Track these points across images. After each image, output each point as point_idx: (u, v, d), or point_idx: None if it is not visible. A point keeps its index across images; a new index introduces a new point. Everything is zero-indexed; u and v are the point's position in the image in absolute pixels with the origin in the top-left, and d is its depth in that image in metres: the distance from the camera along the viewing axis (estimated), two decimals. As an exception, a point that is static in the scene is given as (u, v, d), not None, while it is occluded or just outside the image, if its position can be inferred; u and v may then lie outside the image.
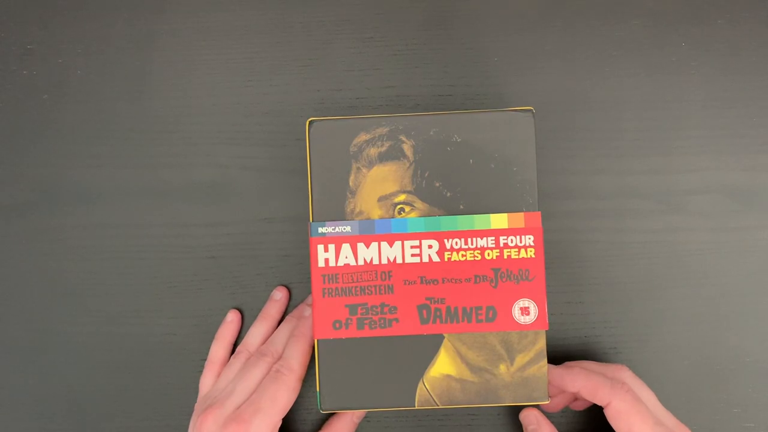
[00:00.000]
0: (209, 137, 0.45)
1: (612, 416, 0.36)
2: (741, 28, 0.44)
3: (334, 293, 0.38)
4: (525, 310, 0.38)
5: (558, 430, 0.40)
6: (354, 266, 0.38)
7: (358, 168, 0.38)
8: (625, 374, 0.38)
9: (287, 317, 0.43)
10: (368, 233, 0.38)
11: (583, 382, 0.37)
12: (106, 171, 0.45)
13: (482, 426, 0.43)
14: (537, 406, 0.42)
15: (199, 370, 0.44)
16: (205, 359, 0.44)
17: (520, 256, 0.38)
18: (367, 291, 0.38)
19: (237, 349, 0.42)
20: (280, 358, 0.40)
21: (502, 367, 0.38)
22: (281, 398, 0.38)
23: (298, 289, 0.44)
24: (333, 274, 0.38)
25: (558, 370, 0.38)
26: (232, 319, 0.44)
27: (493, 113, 0.38)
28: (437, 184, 0.38)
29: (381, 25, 0.45)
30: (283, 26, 0.45)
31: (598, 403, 0.37)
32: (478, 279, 0.38)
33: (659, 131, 0.44)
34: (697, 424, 0.43)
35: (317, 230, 0.38)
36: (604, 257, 0.44)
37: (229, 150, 0.44)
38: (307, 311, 0.41)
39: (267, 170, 0.44)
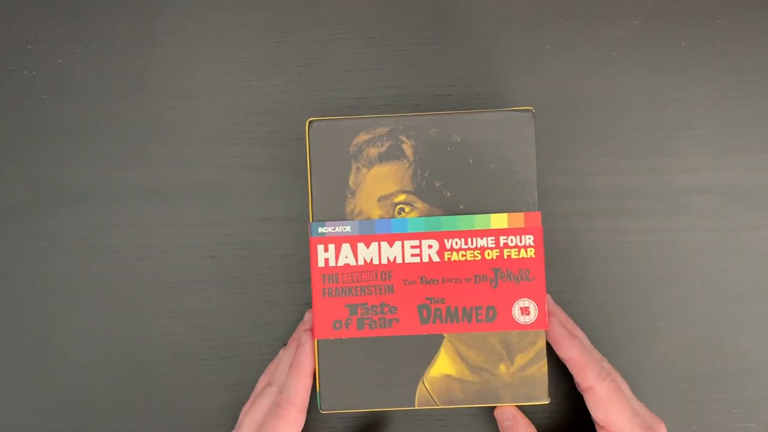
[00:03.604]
0: (209, 137, 0.45)
1: (592, 402, 0.37)
2: (741, 28, 0.44)
3: (334, 293, 0.38)
4: (525, 310, 0.38)
5: (534, 426, 0.40)
6: (354, 266, 0.38)
7: (358, 168, 0.38)
8: (606, 365, 0.39)
9: (290, 339, 0.42)
10: (368, 233, 0.38)
11: (577, 357, 0.37)
12: (106, 171, 0.45)
13: (482, 426, 0.43)
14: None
15: (200, 370, 0.44)
16: (205, 359, 0.44)
17: (520, 256, 0.38)
18: (367, 291, 0.38)
19: (265, 375, 0.42)
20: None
21: (502, 367, 0.38)
22: None
23: (299, 289, 0.44)
24: (333, 274, 0.38)
25: (561, 330, 0.38)
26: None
27: (493, 113, 0.38)
28: (437, 184, 0.38)
29: (381, 25, 0.45)
30: (283, 26, 0.45)
31: (580, 383, 0.37)
32: (478, 279, 0.38)
33: (659, 131, 0.44)
34: (697, 424, 0.43)
35: (317, 230, 0.38)
36: (604, 257, 0.44)
37: (229, 150, 0.44)
38: (304, 337, 0.39)
39: (267, 170, 0.44)
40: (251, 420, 0.39)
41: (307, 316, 0.42)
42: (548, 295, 0.41)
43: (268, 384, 0.40)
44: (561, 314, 0.41)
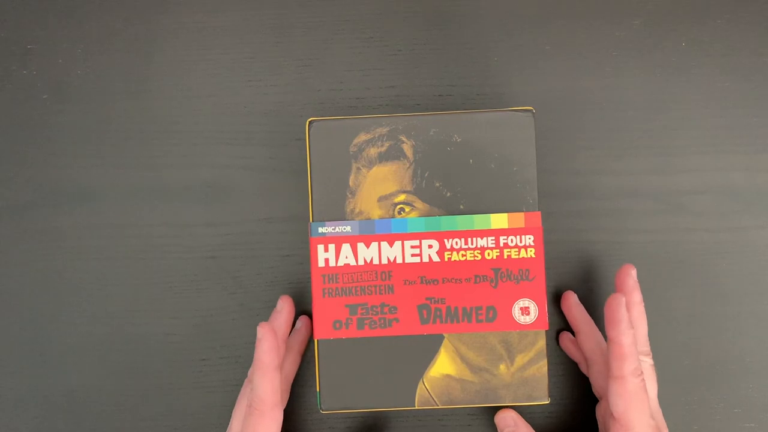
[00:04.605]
0: (209, 137, 0.45)
1: (617, 392, 0.36)
2: (741, 28, 0.44)
3: (334, 293, 0.38)
4: (525, 310, 0.38)
5: (535, 427, 0.40)
6: (354, 266, 0.38)
7: (358, 168, 0.38)
8: (649, 361, 0.39)
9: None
10: (368, 233, 0.38)
11: (624, 345, 0.36)
12: (106, 171, 0.45)
13: (482, 426, 0.43)
14: (513, 407, 0.42)
15: (200, 370, 0.44)
16: (205, 359, 0.44)
17: (520, 256, 0.38)
18: (367, 291, 0.38)
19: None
20: None
21: (502, 367, 0.38)
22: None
23: (299, 289, 0.44)
24: (333, 274, 0.38)
25: (623, 314, 0.36)
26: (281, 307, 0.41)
27: (493, 113, 0.38)
28: (437, 184, 0.38)
29: (381, 25, 0.45)
30: (283, 26, 0.45)
31: (613, 370, 0.36)
32: (478, 279, 0.38)
33: (659, 131, 0.44)
34: (697, 424, 0.43)
35: (317, 230, 0.38)
36: (604, 257, 0.44)
37: (229, 150, 0.44)
38: (260, 332, 0.37)
39: (267, 170, 0.44)
40: (237, 420, 0.39)
41: (279, 304, 0.41)
42: (634, 270, 0.39)
43: (248, 381, 0.40)
44: (636, 296, 0.39)
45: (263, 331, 0.37)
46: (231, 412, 0.44)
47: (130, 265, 0.44)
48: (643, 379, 0.36)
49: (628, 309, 0.38)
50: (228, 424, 0.44)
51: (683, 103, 0.44)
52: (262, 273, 0.44)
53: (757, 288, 0.43)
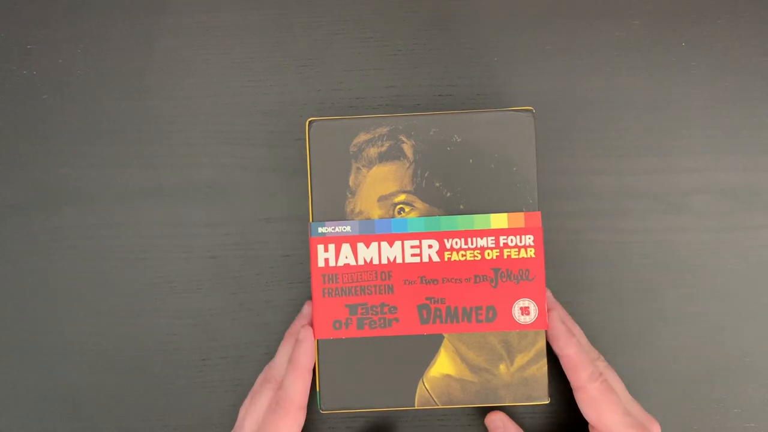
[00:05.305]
0: (209, 137, 0.45)
1: (583, 402, 0.37)
2: (741, 28, 0.44)
3: (334, 293, 0.38)
4: (525, 310, 0.38)
5: (534, 426, 0.40)
6: (354, 266, 0.38)
7: (358, 168, 0.38)
8: (601, 363, 0.39)
9: (286, 333, 0.41)
10: (368, 233, 0.38)
11: (572, 355, 0.37)
12: (106, 171, 0.45)
13: (482, 426, 0.43)
14: (502, 409, 0.42)
15: (200, 370, 0.44)
16: (205, 359, 0.44)
17: (520, 256, 0.38)
18: (367, 291, 0.38)
19: (264, 372, 0.41)
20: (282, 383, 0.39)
21: (502, 367, 0.38)
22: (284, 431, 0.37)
23: (299, 289, 0.44)
24: (333, 274, 0.38)
25: (559, 327, 0.38)
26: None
27: (493, 113, 0.38)
28: (437, 184, 0.38)
29: (381, 25, 0.45)
30: (283, 26, 0.45)
31: (572, 382, 0.38)
32: (478, 279, 0.38)
33: (659, 131, 0.44)
34: (697, 424, 0.43)
35: (317, 230, 0.38)
36: (604, 257, 0.44)
37: (229, 150, 0.44)
38: (303, 334, 0.38)
39: (267, 170, 0.44)
40: (252, 419, 0.39)
41: (306, 309, 0.41)
42: (548, 291, 0.41)
43: (266, 380, 0.40)
44: (560, 311, 0.41)
45: (307, 334, 0.38)
46: (231, 412, 0.44)
47: (130, 265, 0.44)
48: (603, 381, 0.37)
49: (562, 336, 0.39)
50: (229, 423, 0.44)
51: (683, 103, 0.44)
52: (262, 273, 0.44)
53: (757, 288, 0.43)
